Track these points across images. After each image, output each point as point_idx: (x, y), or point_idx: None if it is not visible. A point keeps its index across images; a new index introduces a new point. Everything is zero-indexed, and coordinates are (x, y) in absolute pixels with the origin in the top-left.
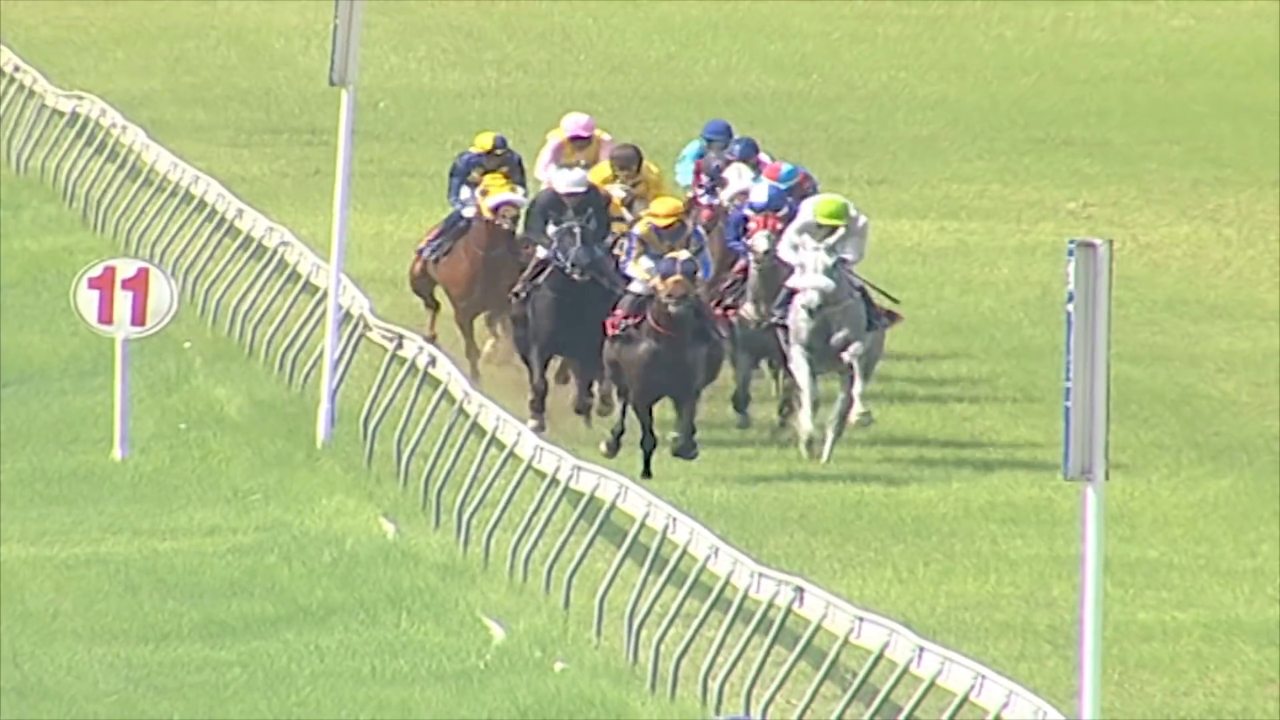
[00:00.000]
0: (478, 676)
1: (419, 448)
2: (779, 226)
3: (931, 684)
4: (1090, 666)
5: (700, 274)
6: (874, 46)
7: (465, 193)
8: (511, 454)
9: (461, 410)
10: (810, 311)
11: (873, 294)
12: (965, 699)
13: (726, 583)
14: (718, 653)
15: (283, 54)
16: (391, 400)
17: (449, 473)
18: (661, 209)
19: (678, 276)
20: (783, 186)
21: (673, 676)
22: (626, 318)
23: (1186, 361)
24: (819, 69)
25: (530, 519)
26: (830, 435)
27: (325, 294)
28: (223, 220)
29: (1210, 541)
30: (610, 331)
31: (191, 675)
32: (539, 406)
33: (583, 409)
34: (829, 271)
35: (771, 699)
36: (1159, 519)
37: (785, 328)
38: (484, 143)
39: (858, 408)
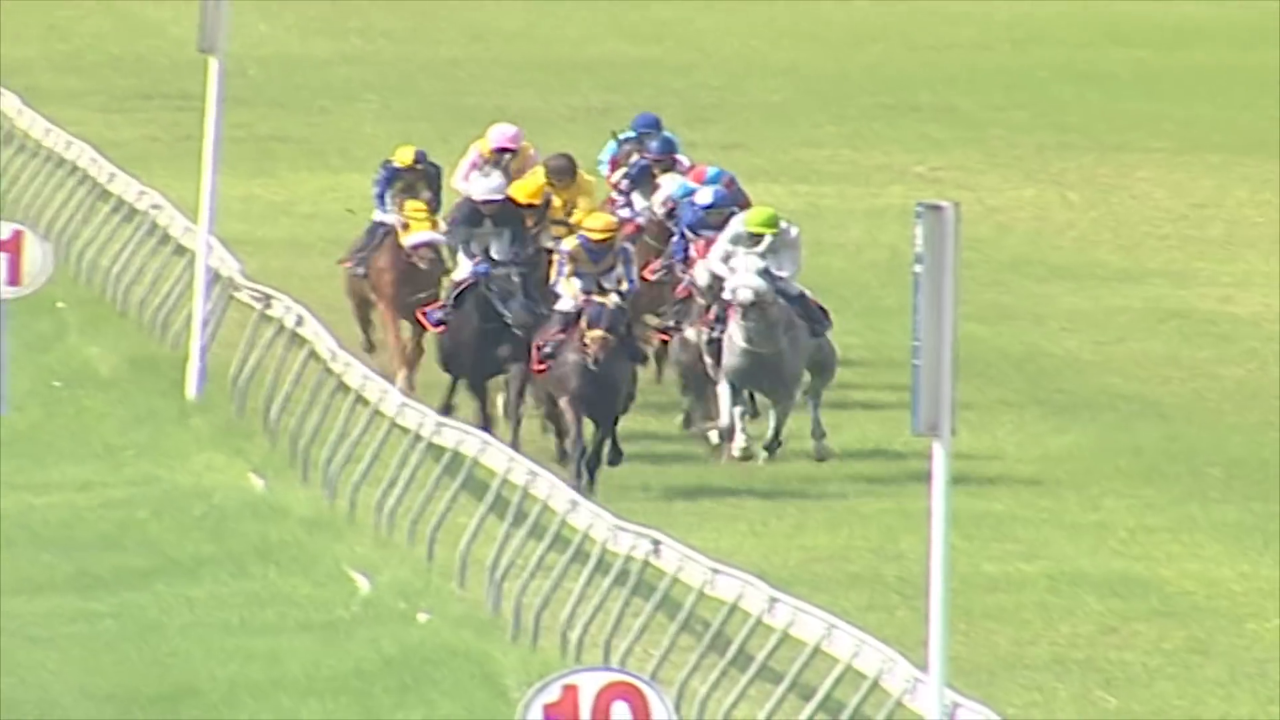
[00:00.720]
0: (344, 627)
1: (287, 405)
2: None
3: (784, 634)
4: (938, 617)
5: (627, 287)
6: (728, 14)
7: (390, 203)
8: (377, 411)
9: (328, 369)
10: (745, 310)
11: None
12: (816, 649)
13: (585, 536)
14: (577, 604)
15: (154, 22)
16: (260, 359)
17: (316, 429)
18: (596, 224)
19: (602, 333)
20: (733, 192)
21: (534, 627)
22: (556, 333)
23: (1031, 320)
24: (674, 36)
25: (395, 474)
26: (762, 456)
27: (195, 256)
28: (95, 184)
29: (1054, 495)
30: (537, 349)
31: (65, 626)
32: (485, 425)
33: (515, 417)
34: (761, 274)
35: (629, 649)
36: (1005, 474)
37: (718, 344)
38: (404, 157)
39: (815, 445)
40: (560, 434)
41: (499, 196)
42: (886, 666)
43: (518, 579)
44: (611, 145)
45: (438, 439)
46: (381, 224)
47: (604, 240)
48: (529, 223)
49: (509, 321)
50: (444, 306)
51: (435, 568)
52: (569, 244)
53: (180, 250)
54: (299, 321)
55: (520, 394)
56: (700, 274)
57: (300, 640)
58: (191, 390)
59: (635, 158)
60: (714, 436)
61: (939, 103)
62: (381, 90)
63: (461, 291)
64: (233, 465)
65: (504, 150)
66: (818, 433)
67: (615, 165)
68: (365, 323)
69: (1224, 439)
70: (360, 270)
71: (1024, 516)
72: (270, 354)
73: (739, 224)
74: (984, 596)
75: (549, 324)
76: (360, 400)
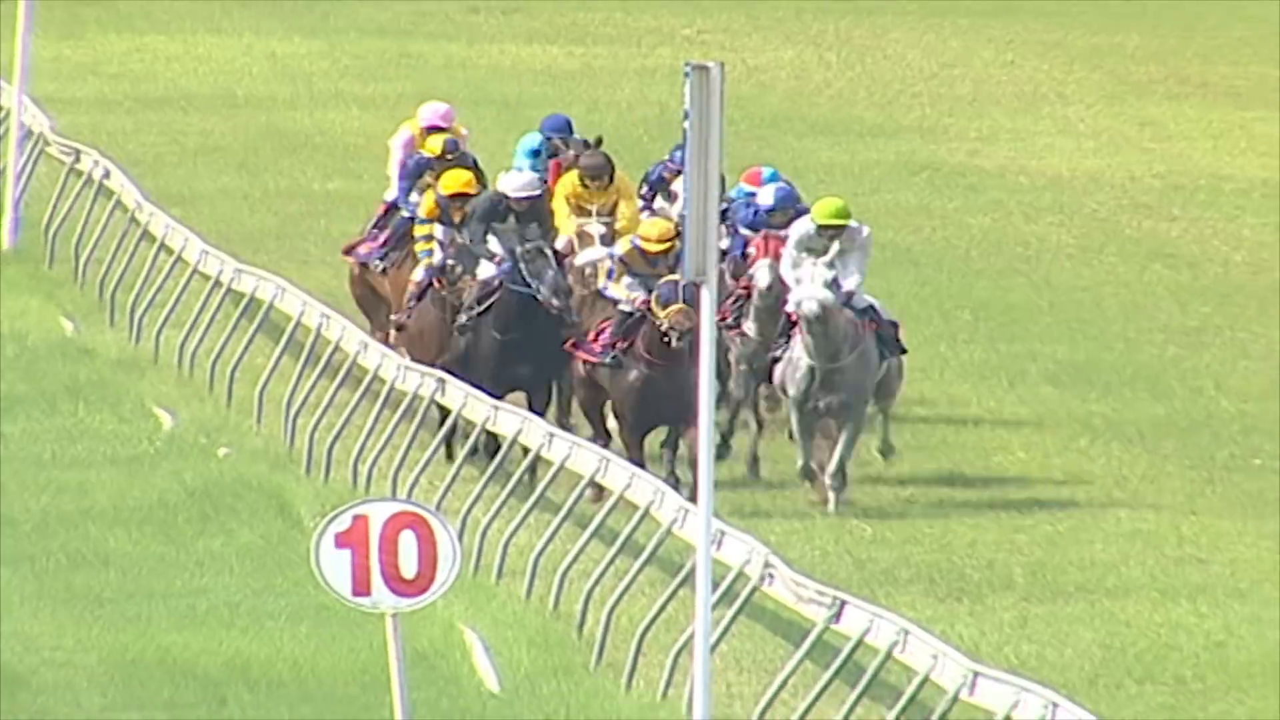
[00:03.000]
0: (148, 461)
1: (96, 253)
2: (781, 251)
3: (562, 467)
4: (704, 453)
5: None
6: None
7: (415, 197)
8: (179, 259)
9: (134, 219)
10: (811, 322)
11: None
12: (591, 480)
13: (375, 376)
14: (367, 439)
15: None
16: (70, 210)
17: (123, 276)
18: (653, 232)
19: (680, 305)
20: (792, 191)
21: (326, 461)
22: (614, 343)
23: (791, 174)
24: None
25: (196, 317)
26: (834, 495)
27: (9, 113)
28: None
29: None
30: (587, 355)
31: None
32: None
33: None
34: (828, 285)
35: (416, 481)
36: None
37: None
38: (433, 147)
39: (829, 481)
40: (599, 438)
41: (536, 193)
42: (656, 498)
43: (312, 416)
44: (533, 137)
45: (237, 285)
46: (410, 221)
47: (663, 250)
48: (458, 217)
49: (539, 297)
50: (467, 314)
51: (235, 405)
52: (622, 247)
53: None
54: (106, 175)
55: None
56: (761, 274)
57: (108, 473)
58: (6, 241)
59: (655, 169)
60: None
61: None
62: None
63: (484, 297)
64: (45, 310)
65: (434, 129)
66: (887, 449)
67: (558, 169)
68: (373, 313)
69: (971, 284)
70: (382, 267)
71: None
72: (80, 205)
73: (805, 222)
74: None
75: (609, 325)
76: (164, 249)
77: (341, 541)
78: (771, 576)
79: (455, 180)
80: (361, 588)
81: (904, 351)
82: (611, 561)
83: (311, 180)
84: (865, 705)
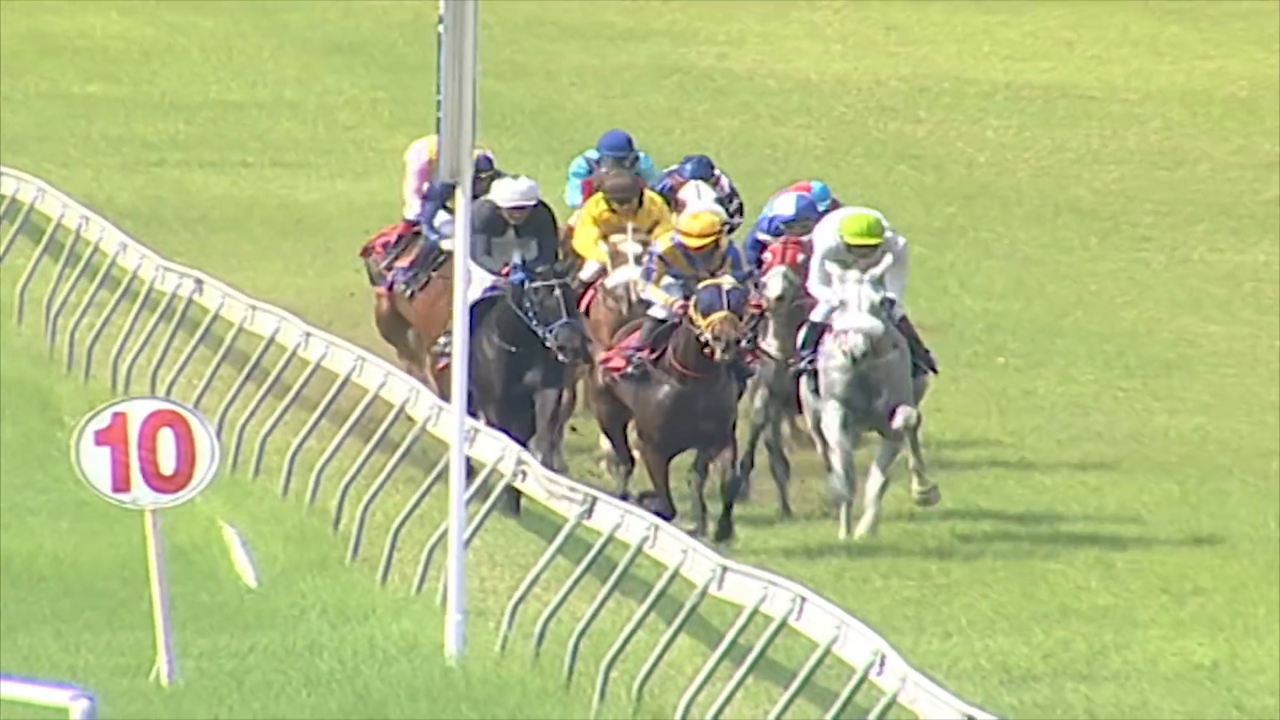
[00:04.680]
0: None
1: None
2: (799, 259)
3: (318, 366)
4: (459, 370)
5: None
6: None
7: (443, 216)
8: None
9: None
10: (854, 359)
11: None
12: (347, 379)
13: (134, 276)
14: (126, 338)
15: None
16: None
17: None
18: (694, 226)
19: (725, 313)
20: (815, 201)
21: (87, 360)
22: (641, 349)
23: (543, 76)
24: None
25: None
26: (871, 511)
27: None
28: None
29: None
30: (610, 365)
31: None
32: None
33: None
34: (875, 311)
35: (174, 380)
36: None
37: (811, 373)
38: None
39: (917, 485)
40: (623, 463)
41: (531, 202)
42: (411, 395)
43: (72, 316)
44: (580, 164)
45: None
46: (436, 247)
47: (702, 247)
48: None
49: (549, 344)
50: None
51: None
52: (662, 245)
53: None
54: None
55: (556, 422)
56: (774, 283)
57: None
58: None
59: (662, 180)
60: (840, 509)
61: None
62: None
63: (480, 310)
64: None
65: None
66: (922, 474)
67: (589, 188)
68: (401, 341)
69: None
70: (409, 291)
71: None
72: None
73: (832, 234)
74: None
75: (639, 334)
76: None
77: (101, 439)
78: (524, 474)
79: (698, 224)
80: (121, 484)
81: (934, 370)
82: (367, 458)
83: (71, 83)
84: (618, 599)
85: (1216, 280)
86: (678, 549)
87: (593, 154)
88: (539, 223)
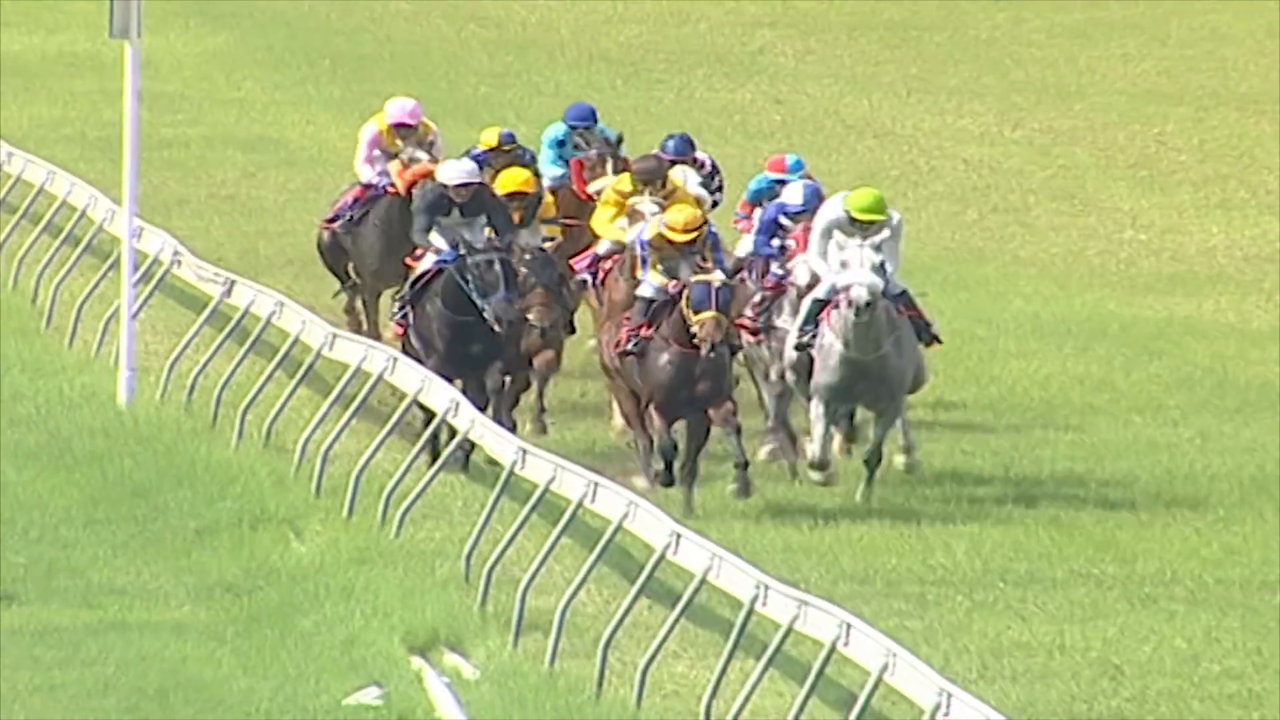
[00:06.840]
0: None
1: None
2: None
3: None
4: (130, 169)
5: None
6: None
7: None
8: None
9: None
10: (860, 310)
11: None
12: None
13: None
14: (34, 254)
15: None
16: None
17: None
18: (679, 220)
19: (713, 314)
20: (819, 189)
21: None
22: (639, 327)
23: None
24: None
25: None
26: (864, 478)
27: None
28: None
29: (209, 80)
30: (616, 346)
31: None
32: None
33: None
34: (877, 270)
35: (88, 303)
36: (175, 64)
37: (808, 359)
38: (489, 139)
39: (902, 459)
40: (641, 438)
41: (473, 180)
42: (91, 202)
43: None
44: (560, 129)
45: None
46: (380, 194)
47: (688, 242)
48: (516, 216)
49: (486, 316)
50: (404, 303)
51: None
52: (650, 232)
53: None
54: None
55: (506, 392)
56: (801, 271)
57: None
58: None
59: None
60: (813, 474)
61: None
62: None
63: (425, 283)
64: None
65: (402, 126)
66: (910, 448)
67: (579, 168)
68: (341, 273)
69: (328, 40)
70: (347, 223)
71: (189, 94)
72: None
73: (836, 209)
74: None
75: (633, 312)
76: None
77: None
78: (179, 261)
79: (513, 179)
80: None
81: (938, 341)
82: (56, 252)
83: None
84: (253, 360)
85: (714, 112)
86: (298, 321)
87: (559, 127)
88: (482, 200)
